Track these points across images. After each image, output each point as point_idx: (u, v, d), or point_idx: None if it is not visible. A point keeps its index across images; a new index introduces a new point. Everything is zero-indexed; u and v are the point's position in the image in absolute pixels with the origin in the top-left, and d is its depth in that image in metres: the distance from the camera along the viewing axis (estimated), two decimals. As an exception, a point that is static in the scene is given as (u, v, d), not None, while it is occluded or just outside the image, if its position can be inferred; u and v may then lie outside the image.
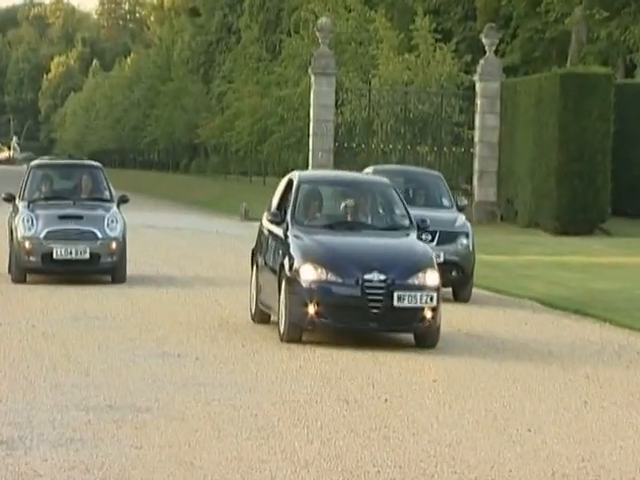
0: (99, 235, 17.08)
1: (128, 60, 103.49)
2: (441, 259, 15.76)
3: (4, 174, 76.66)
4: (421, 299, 12.07)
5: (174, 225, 35.05)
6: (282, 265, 12.58)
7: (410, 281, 12.12)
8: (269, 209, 13.88)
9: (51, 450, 7.91)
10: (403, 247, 12.79)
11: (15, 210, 17.71)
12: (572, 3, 40.65)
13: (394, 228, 13.30)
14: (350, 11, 47.44)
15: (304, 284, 12.16)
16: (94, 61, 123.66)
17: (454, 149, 36.18)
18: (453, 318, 14.53)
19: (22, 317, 14.31)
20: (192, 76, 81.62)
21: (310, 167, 35.29)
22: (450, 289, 16.56)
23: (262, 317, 13.82)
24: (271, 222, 13.54)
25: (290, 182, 13.72)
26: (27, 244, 16.91)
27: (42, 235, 16.96)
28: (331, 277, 12.12)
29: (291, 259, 12.44)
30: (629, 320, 15.39)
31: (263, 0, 71.22)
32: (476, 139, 35.53)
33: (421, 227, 13.35)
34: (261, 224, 14.27)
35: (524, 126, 33.77)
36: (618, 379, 11.29)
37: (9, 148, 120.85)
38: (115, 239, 17.18)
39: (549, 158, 32.10)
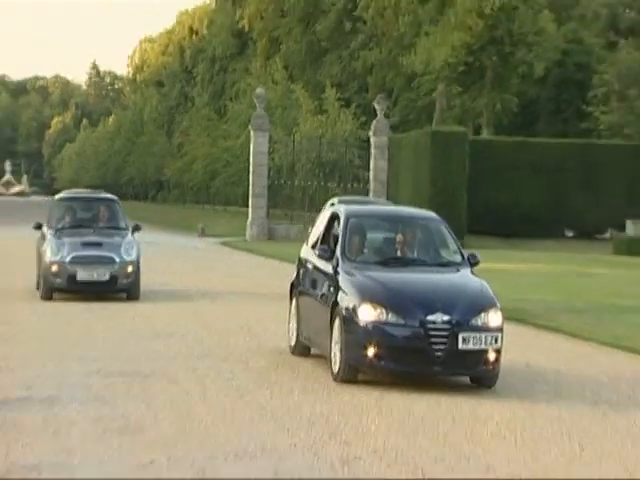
0: (117, 260, 15.26)
1: (110, 119, 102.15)
2: None
3: (18, 204, 74.61)
4: (486, 341, 8.81)
5: (150, 240, 34.57)
6: (335, 303, 9.18)
7: (474, 322, 8.82)
8: (309, 242, 10.67)
9: (82, 405, 7.73)
10: (462, 284, 9.31)
11: (43, 236, 16.03)
12: (436, 81, 41.43)
13: (445, 264, 9.78)
14: (277, 84, 47.60)
15: (362, 324, 8.79)
16: (84, 120, 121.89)
17: (354, 185, 36.42)
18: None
19: (48, 309, 14.00)
20: (159, 131, 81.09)
21: (250, 198, 35.71)
22: None
23: (303, 351, 10.48)
24: (320, 257, 9.95)
25: (334, 216, 10.24)
26: (54, 267, 15.15)
27: (68, 260, 15.16)
28: (392, 318, 8.74)
29: (346, 297, 9.05)
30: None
31: (211, 75, 71.55)
32: (371, 178, 35.81)
33: (472, 263, 9.78)
34: (301, 258, 10.72)
35: (405, 169, 34.24)
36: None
37: (21, 184, 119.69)
38: (131, 263, 15.24)
39: (424, 192, 32.58)
